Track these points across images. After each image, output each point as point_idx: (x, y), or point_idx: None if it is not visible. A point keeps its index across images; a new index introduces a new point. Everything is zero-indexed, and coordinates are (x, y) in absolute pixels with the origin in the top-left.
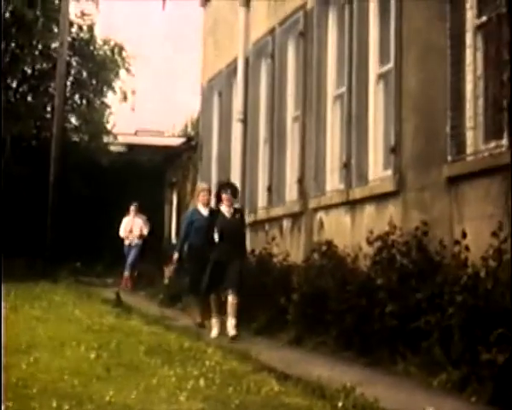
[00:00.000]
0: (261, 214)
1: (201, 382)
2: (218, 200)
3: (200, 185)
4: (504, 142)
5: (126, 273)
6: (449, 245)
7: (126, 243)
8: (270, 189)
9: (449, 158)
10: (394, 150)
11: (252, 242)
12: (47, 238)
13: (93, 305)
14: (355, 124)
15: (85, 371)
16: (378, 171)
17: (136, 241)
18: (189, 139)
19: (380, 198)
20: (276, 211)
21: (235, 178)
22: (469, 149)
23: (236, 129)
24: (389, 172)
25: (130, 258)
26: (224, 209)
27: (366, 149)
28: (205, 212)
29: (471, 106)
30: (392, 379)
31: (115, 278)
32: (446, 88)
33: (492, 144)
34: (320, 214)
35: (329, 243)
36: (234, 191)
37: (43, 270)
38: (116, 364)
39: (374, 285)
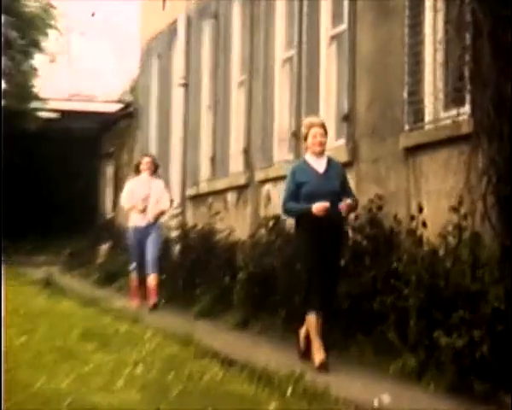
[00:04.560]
0: (204, 187)
1: (139, 368)
2: None
3: (309, 119)
4: (466, 109)
5: (151, 278)
6: (405, 221)
7: (136, 222)
8: (213, 159)
9: (406, 127)
10: (347, 118)
11: (193, 216)
12: None
13: (21, 287)
14: (305, 90)
15: (14, 357)
16: (330, 141)
17: (152, 219)
18: (127, 105)
19: None
20: (220, 183)
21: (176, 148)
22: (428, 118)
23: (177, 95)
24: (342, 142)
25: (151, 251)
26: None
27: (317, 117)
28: (320, 165)
29: (430, 71)
30: (345, 365)
31: (46, 255)
32: (404, 52)
33: (453, 112)
34: (267, 187)
35: (277, 218)
36: None
37: None
38: (47, 349)
39: None
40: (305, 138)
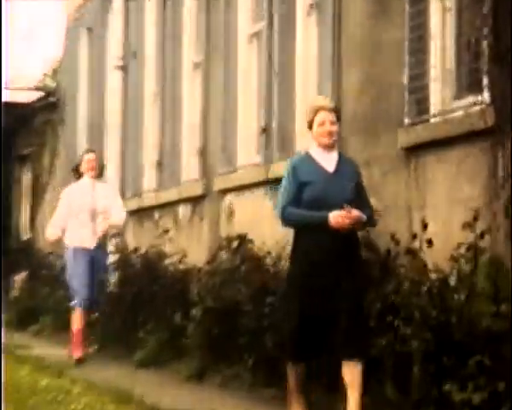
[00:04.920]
0: (148, 199)
1: None
2: None
3: (316, 101)
4: (484, 96)
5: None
6: (405, 240)
7: (79, 241)
8: (160, 164)
9: (406, 120)
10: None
11: (135, 237)
12: None
13: None
14: (278, 73)
15: None
16: (309, 138)
17: (99, 239)
18: (48, 94)
19: None
20: (169, 194)
21: (112, 149)
22: (435, 108)
23: (114, 80)
24: None
25: (93, 282)
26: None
27: (293, 108)
28: (329, 162)
29: (438, 47)
30: None
31: None
32: (404, 23)
33: (468, 101)
34: (230, 198)
35: (243, 238)
36: None
37: None
38: None
39: None
40: (310, 126)
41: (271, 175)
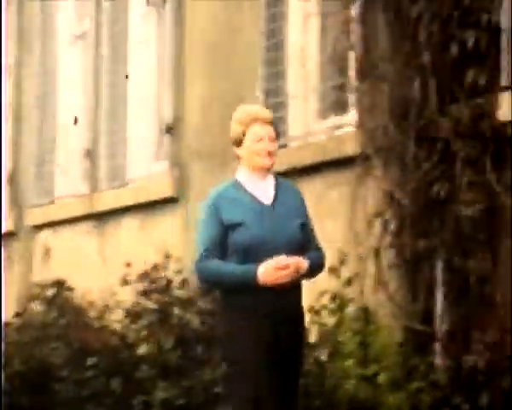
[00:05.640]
0: None
1: None
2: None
3: (249, 109)
4: (350, 117)
5: None
6: None
7: None
8: None
9: None
10: (171, 130)
11: None
12: None
13: None
14: (108, 84)
15: None
16: (146, 163)
17: None
18: None
19: (152, 208)
20: None
21: None
22: (294, 131)
23: None
24: (163, 166)
25: None
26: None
27: (125, 128)
28: (265, 191)
29: (296, 58)
30: None
31: None
32: (258, 29)
33: (332, 122)
34: (45, 235)
35: (61, 285)
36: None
37: None
38: None
39: (134, 357)
40: (239, 143)
41: (98, 207)
